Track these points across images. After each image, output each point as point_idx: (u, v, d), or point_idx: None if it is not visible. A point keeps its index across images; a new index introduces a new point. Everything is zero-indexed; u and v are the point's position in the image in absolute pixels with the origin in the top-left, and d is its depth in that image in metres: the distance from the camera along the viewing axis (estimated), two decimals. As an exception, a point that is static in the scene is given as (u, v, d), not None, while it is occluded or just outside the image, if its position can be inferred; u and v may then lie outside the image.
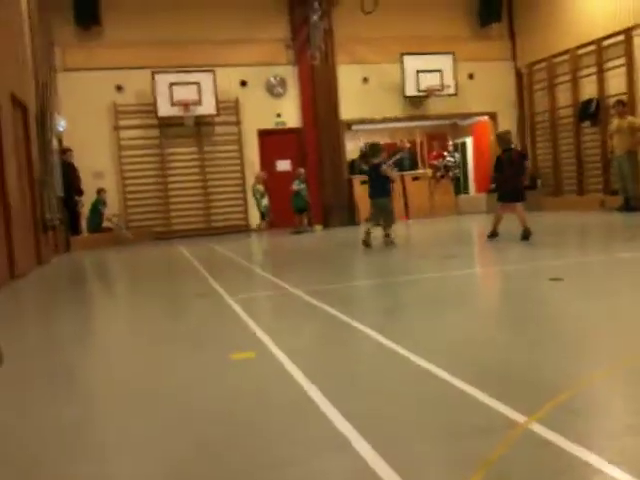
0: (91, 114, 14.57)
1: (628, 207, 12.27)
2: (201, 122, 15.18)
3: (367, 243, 9.15)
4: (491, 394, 2.62)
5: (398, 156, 13.12)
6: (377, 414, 2.57)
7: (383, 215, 9.39)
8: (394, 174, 9.91)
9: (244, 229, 15.51)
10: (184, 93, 14.60)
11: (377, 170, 9.35)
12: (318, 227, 14.94)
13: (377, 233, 9.36)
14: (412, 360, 3.25)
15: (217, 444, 2.40)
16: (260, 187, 14.44)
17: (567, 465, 2.01)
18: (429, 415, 2.53)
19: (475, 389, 2.70)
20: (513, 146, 9.02)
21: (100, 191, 14.31)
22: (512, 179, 8.50)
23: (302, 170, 14.63)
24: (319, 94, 15.57)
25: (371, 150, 9.75)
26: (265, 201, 14.35)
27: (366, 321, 4.24)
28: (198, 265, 8.72)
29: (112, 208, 14.59)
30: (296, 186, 14.20)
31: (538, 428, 2.25)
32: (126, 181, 14.94)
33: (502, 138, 8.89)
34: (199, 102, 14.69)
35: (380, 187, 9.38)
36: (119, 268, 10.37)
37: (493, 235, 8.66)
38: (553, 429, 2.23)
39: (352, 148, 17.62)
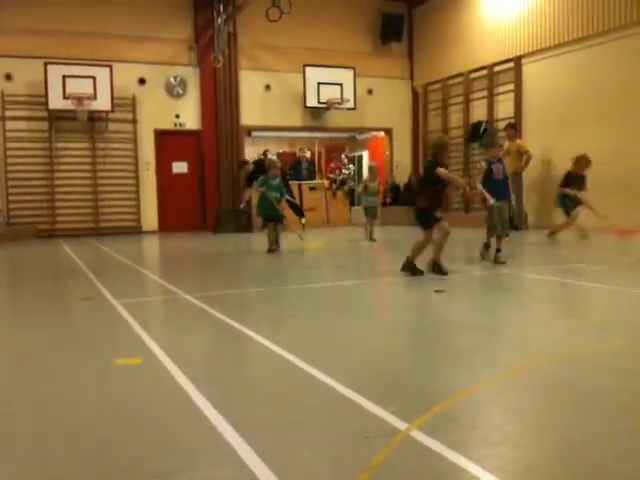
0: (-25, 102, 13.71)
1: (511, 225, 12.95)
2: (95, 118, 14.62)
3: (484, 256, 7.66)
4: (376, 401, 2.67)
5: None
6: (264, 422, 2.56)
7: (501, 222, 7.50)
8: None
9: (136, 231, 15.06)
10: (78, 86, 14.00)
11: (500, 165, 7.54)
12: (315, 244, 10.61)
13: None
14: (300, 367, 3.26)
15: (101, 451, 2.31)
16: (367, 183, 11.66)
17: (445, 472, 2.08)
18: (315, 423, 2.54)
19: (360, 397, 2.75)
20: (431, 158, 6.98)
21: None
22: (417, 198, 6.87)
23: (274, 159, 11.39)
24: (220, 98, 15.45)
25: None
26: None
27: (257, 328, 4.22)
28: (84, 266, 8.37)
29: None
30: (257, 186, 10.04)
31: (419, 435, 2.32)
32: (10, 174, 14.12)
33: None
34: (94, 97, 14.15)
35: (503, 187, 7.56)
36: (-2, 266, 9.77)
37: (439, 271, 6.54)
38: (433, 436, 2.30)
39: (252, 154, 17.57)
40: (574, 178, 9.18)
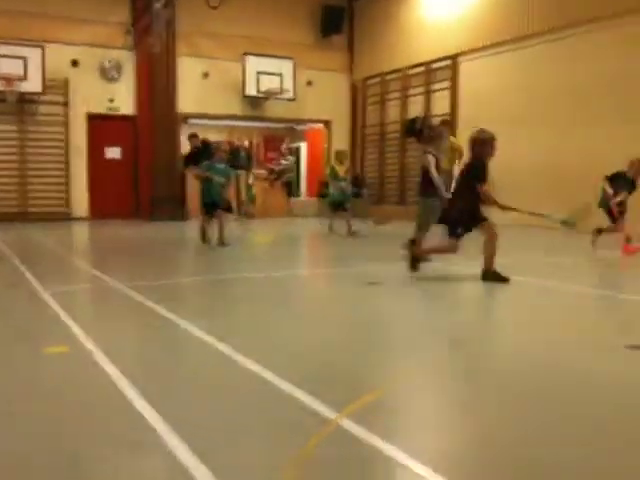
0: None
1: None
2: (25, 99, 14.08)
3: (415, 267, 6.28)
4: (307, 392, 2.69)
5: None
6: (196, 413, 2.54)
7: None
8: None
9: (66, 217, 14.61)
10: (8, 67, 13.45)
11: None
12: (264, 238, 9.91)
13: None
14: (233, 358, 3.25)
15: (24, 441, 2.25)
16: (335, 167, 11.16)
17: (371, 457, 2.13)
18: (247, 414, 2.55)
19: (293, 387, 2.77)
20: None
21: None
22: (455, 198, 6.11)
23: (220, 142, 10.00)
24: (157, 83, 15.10)
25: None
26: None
27: (189, 318, 4.18)
28: (10, 253, 8.08)
29: None
30: (202, 171, 9.25)
31: (348, 424, 2.36)
32: None
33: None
34: (24, 78, 13.63)
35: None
36: None
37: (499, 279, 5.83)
38: (362, 425, 2.34)
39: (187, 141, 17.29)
40: None
